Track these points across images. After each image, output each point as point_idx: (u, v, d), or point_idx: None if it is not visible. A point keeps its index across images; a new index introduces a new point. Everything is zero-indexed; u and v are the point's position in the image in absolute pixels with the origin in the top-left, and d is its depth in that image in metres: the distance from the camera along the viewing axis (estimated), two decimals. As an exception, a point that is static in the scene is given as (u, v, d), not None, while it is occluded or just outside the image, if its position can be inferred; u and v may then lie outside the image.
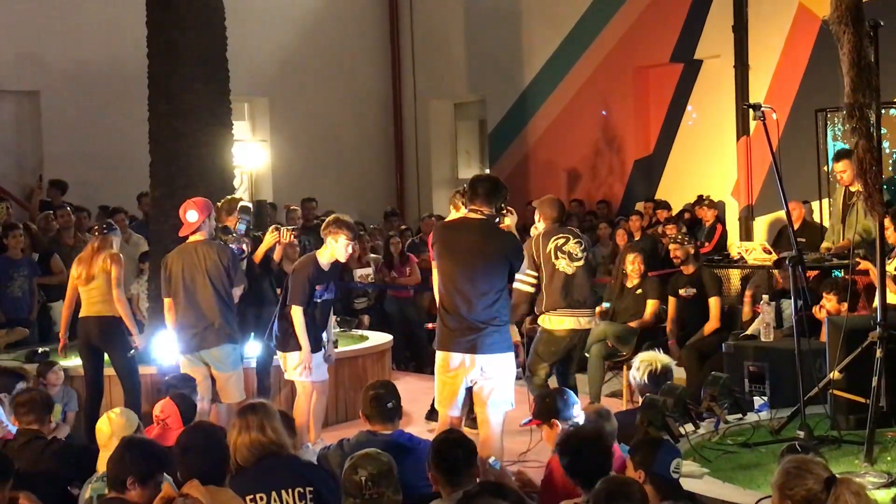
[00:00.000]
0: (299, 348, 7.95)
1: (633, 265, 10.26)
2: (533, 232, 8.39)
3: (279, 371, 8.56)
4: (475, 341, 6.58)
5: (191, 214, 8.12)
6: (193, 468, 4.51)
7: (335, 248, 8.00)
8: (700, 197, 14.29)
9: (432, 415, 9.32)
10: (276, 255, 9.11)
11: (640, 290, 10.23)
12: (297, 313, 7.90)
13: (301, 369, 7.95)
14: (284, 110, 17.35)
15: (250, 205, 9.11)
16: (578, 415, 6.03)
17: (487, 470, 5.67)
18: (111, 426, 5.58)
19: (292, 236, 9.03)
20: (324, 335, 8.20)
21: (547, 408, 6.07)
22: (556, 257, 8.11)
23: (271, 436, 5.02)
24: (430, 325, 8.38)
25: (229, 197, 9.30)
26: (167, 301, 8.25)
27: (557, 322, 8.14)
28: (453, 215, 8.83)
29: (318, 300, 8.01)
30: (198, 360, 8.10)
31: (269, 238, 8.80)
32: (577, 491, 4.97)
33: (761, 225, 14.23)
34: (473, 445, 5.06)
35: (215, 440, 4.70)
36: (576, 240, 8.22)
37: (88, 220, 13.08)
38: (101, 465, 5.32)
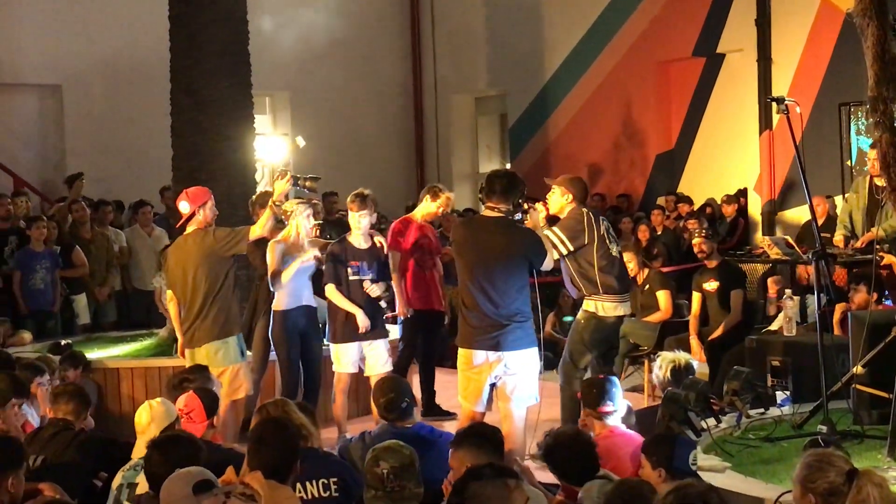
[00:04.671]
0: (343, 340, 8.08)
1: (630, 264, 10.22)
2: (550, 207, 7.80)
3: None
4: (499, 338, 6.57)
5: (182, 205, 7.94)
6: (260, 460, 4.54)
7: (352, 222, 8.21)
8: (739, 190, 14.23)
9: (430, 411, 9.37)
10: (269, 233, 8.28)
11: (647, 286, 10.21)
12: (330, 291, 8.03)
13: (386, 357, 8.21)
14: (305, 104, 17.38)
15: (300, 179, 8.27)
16: (615, 410, 6.00)
17: (514, 464, 5.66)
18: (150, 414, 5.62)
19: (317, 230, 8.76)
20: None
21: (595, 394, 6.01)
22: (610, 240, 7.69)
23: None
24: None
25: (262, 190, 9.23)
26: (169, 293, 8.18)
27: (611, 308, 7.68)
28: (424, 208, 9.24)
29: (353, 278, 8.05)
30: None
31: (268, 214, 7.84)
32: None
33: (784, 219, 14.17)
34: (502, 437, 5.06)
35: (287, 437, 4.71)
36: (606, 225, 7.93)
37: (112, 215, 13.15)
38: (137, 453, 5.36)
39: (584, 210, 7.70)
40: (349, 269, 8.17)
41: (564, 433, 5.26)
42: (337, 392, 8.43)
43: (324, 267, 8.21)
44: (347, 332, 8.22)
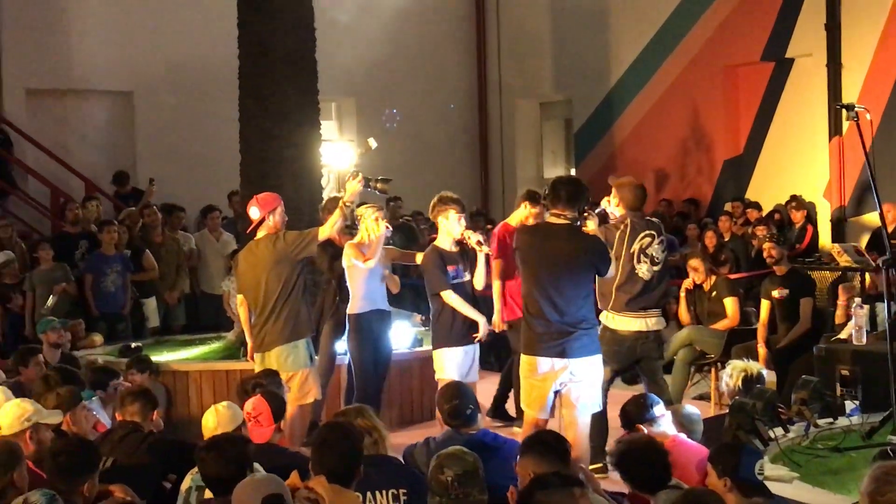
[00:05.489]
0: (449, 345, 7.88)
1: (696, 271, 10.14)
2: (607, 209, 7.77)
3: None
4: (565, 345, 6.55)
5: (253, 211, 7.98)
6: (324, 464, 4.57)
7: (447, 226, 7.92)
8: (792, 197, 14.09)
9: (496, 412, 9.34)
10: (338, 237, 8.39)
11: (714, 293, 10.12)
12: (447, 296, 7.84)
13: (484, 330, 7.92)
14: (371, 110, 17.45)
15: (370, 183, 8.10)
16: (662, 414, 5.99)
17: (580, 472, 5.65)
18: (217, 418, 5.69)
19: (387, 224, 8.50)
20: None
21: (628, 416, 6.02)
22: (639, 261, 7.61)
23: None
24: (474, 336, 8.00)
25: (331, 196, 9.24)
26: (239, 298, 8.24)
27: (624, 322, 7.66)
28: (521, 213, 8.86)
29: (453, 282, 7.88)
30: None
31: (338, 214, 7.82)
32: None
33: (854, 227, 13.98)
34: (568, 444, 5.05)
35: (351, 441, 4.73)
36: (659, 239, 7.73)
37: (184, 219, 13.33)
38: None
39: (628, 221, 7.66)
40: (448, 273, 7.92)
41: (638, 440, 5.24)
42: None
43: (425, 277, 8.02)
44: (455, 336, 7.93)
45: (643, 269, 7.63)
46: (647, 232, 7.71)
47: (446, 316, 7.89)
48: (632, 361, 7.84)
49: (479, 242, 7.91)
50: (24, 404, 5.73)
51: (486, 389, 9.13)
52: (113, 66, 15.12)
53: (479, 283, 8.07)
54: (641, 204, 7.86)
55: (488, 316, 8.28)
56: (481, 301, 8.38)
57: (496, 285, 8.77)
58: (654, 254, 7.67)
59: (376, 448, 5.33)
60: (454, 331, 7.92)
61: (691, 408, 6.53)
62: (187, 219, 13.81)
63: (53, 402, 6.08)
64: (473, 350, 8.06)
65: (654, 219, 8.10)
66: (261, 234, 7.94)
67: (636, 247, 7.63)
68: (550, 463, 4.68)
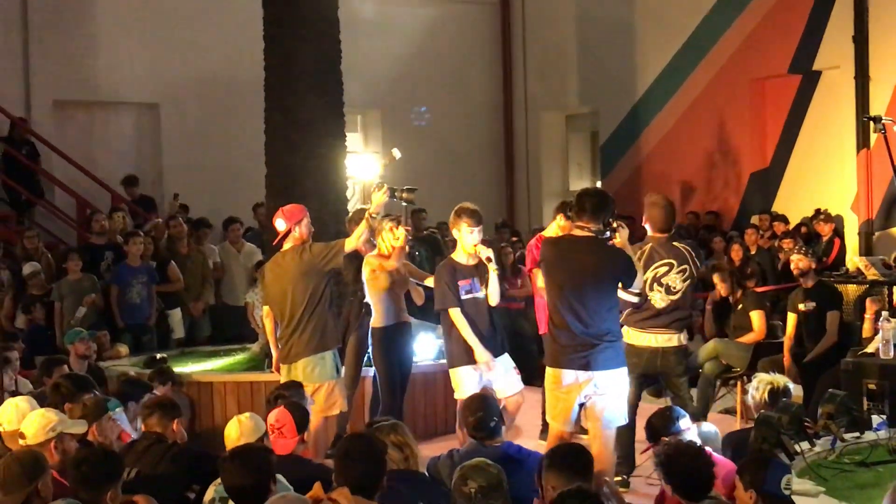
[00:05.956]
0: (465, 363, 7.53)
1: (722, 284, 10.09)
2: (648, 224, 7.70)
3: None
4: (589, 358, 6.51)
5: (279, 223, 7.98)
6: (347, 476, 4.56)
7: (461, 239, 7.66)
8: (817, 210, 14.02)
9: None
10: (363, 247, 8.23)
11: (740, 306, 10.07)
12: (453, 314, 7.54)
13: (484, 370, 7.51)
14: (396, 122, 17.49)
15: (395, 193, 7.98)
16: (688, 428, 5.96)
17: (604, 485, 5.63)
18: (240, 429, 5.71)
19: (406, 227, 8.50)
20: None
21: (654, 428, 6.00)
22: (652, 289, 7.60)
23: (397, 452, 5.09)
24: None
25: (358, 207, 9.23)
26: (265, 309, 8.25)
27: (636, 336, 7.67)
28: (555, 226, 8.72)
29: (466, 297, 7.55)
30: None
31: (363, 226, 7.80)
32: None
33: (882, 240, 13.88)
34: (591, 457, 5.03)
35: (374, 453, 4.72)
36: (680, 268, 7.64)
37: (210, 232, 13.38)
38: None
39: (647, 248, 7.68)
40: (461, 289, 7.62)
41: (688, 445, 5.21)
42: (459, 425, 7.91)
43: (434, 291, 7.79)
44: (468, 355, 7.60)
45: (656, 298, 7.64)
46: (666, 261, 7.67)
47: (458, 332, 7.63)
48: (654, 374, 7.83)
49: (488, 258, 7.63)
50: (49, 414, 5.76)
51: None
52: (140, 78, 15.23)
53: (493, 299, 7.74)
54: (668, 226, 7.80)
55: (507, 329, 7.97)
56: (503, 313, 8.24)
57: (537, 298, 8.58)
58: (670, 283, 7.65)
59: (407, 464, 5.33)
60: (468, 347, 7.60)
61: (709, 426, 6.51)
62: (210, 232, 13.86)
63: (79, 412, 6.11)
64: (502, 362, 7.72)
65: (682, 245, 7.86)
66: (287, 245, 7.95)
67: (650, 275, 7.61)
68: (571, 477, 4.66)
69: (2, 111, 14.03)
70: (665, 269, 7.65)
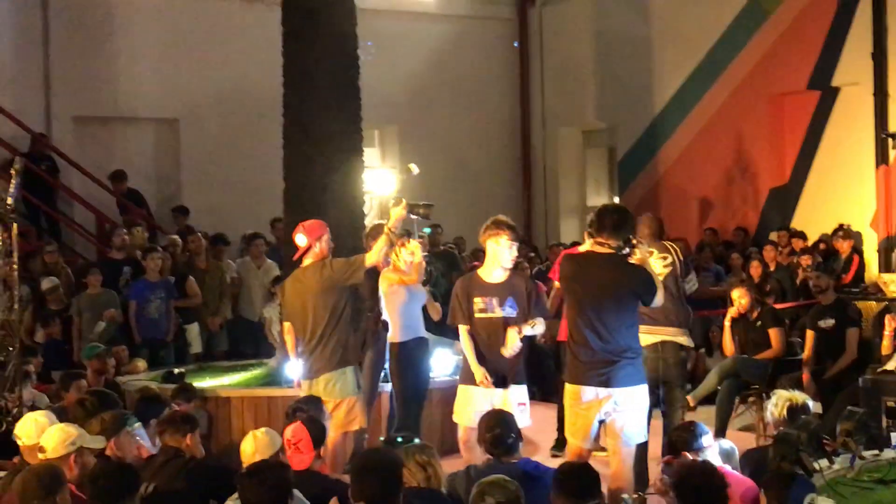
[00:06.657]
0: (466, 381, 7.22)
1: (743, 300, 10.05)
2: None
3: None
4: (609, 374, 6.48)
5: (299, 238, 7.97)
6: (363, 491, 4.57)
7: (497, 252, 7.18)
8: (839, 226, 13.96)
9: (559, 446, 9.23)
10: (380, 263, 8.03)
11: (759, 322, 10.03)
12: (460, 332, 7.25)
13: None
14: (414, 138, 17.50)
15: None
16: (710, 445, 5.94)
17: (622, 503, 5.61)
18: (255, 444, 5.71)
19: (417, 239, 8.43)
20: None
21: (675, 444, 5.98)
22: None
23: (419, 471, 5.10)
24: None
25: (376, 223, 9.24)
26: (286, 325, 8.26)
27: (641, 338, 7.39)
28: (586, 244, 8.72)
29: (479, 315, 7.14)
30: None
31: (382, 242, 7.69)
32: None
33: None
34: (597, 475, 5.01)
35: (390, 468, 4.72)
36: (662, 255, 7.72)
37: (227, 249, 13.40)
38: None
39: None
40: (475, 306, 7.20)
41: (699, 466, 5.19)
42: (461, 447, 7.33)
43: (449, 306, 7.48)
44: (471, 373, 7.22)
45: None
46: (650, 249, 7.43)
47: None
48: (655, 383, 7.76)
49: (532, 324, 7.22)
50: (68, 428, 5.78)
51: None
52: (159, 93, 15.30)
53: (506, 352, 7.12)
54: (659, 235, 8.05)
55: (523, 342, 7.33)
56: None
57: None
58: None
59: (428, 483, 5.32)
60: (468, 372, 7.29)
61: (726, 442, 6.48)
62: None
63: (98, 427, 6.13)
64: (512, 393, 7.19)
65: (670, 244, 8.19)
66: (307, 261, 7.96)
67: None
68: (579, 499, 4.67)
69: (22, 126, 14.10)
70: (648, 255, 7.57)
